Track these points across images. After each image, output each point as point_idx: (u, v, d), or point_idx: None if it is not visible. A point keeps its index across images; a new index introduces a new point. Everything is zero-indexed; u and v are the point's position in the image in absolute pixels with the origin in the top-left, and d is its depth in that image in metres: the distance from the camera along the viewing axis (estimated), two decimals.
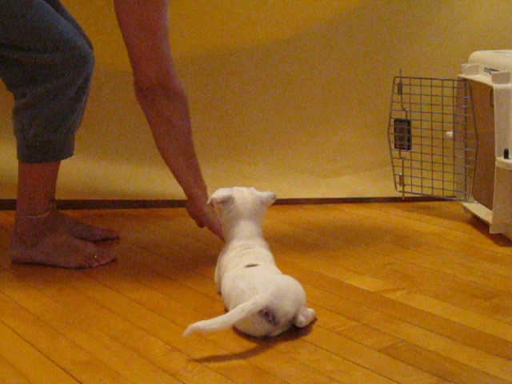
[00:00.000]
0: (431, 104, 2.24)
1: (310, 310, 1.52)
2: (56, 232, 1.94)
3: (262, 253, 1.63)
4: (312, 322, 1.51)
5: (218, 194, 1.69)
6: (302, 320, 1.47)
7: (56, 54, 1.78)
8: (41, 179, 1.89)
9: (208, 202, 1.72)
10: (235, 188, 1.72)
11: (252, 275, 1.50)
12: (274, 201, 1.72)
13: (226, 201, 1.68)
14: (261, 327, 1.43)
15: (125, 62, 2.37)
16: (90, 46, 1.97)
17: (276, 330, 1.45)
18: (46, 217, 1.92)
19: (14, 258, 1.94)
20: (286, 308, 1.44)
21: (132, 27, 1.78)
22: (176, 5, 2.27)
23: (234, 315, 1.39)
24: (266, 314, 1.42)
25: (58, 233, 1.94)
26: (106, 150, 2.41)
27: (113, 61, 2.33)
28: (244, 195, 1.70)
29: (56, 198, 2.08)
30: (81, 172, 2.37)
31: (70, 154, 1.91)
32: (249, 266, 1.55)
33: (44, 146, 1.84)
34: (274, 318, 1.42)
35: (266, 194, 1.71)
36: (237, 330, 1.47)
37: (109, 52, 2.30)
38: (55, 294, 1.74)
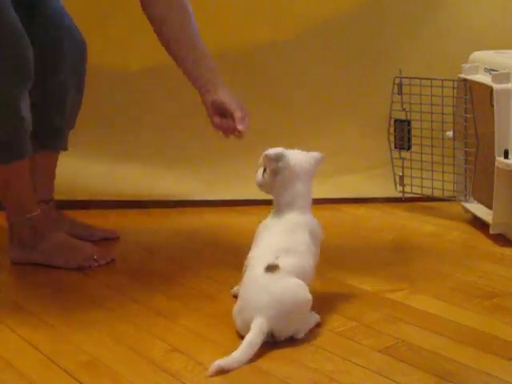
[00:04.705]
0: (431, 104, 2.24)
1: (313, 317, 1.51)
2: (55, 232, 1.93)
3: (300, 241, 1.53)
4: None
5: (270, 150, 1.54)
6: (300, 334, 1.45)
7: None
8: (14, 179, 1.87)
9: (260, 161, 1.57)
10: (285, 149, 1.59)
11: (262, 289, 1.43)
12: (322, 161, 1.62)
13: (280, 157, 1.54)
14: None
15: (125, 62, 2.39)
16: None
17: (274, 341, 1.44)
18: (38, 215, 1.91)
19: (13, 259, 1.93)
20: (287, 330, 1.43)
21: None
22: None
23: (248, 352, 1.36)
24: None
25: (57, 233, 1.94)
26: (106, 150, 2.40)
27: (113, 61, 2.33)
28: (296, 153, 1.57)
29: (56, 198, 2.08)
30: (81, 172, 2.37)
31: (26, 155, 1.85)
32: (269, 267, 1.45)
33: None
34: (273, 337, 1.42)
35: (317, 154, 1.61)
36: (237, 331, 1.47)
37: (109, 52, 2.30)
38: (55, 294, 1.74)
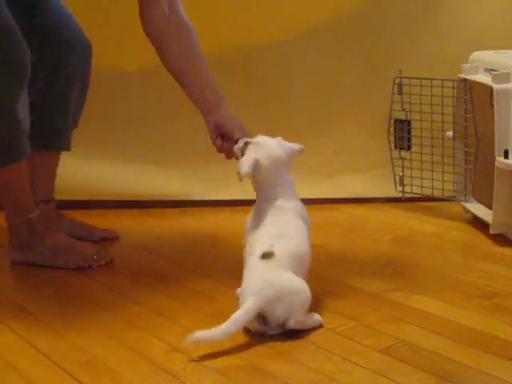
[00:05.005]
0: (431, 104, 2.23)
1: (314, 317, 1.51)
2: (54, 233, 1.93)
3: (292, 224, 1.57)
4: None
5: (245, 166, 1.56)
6: (290, 324, 1.45)
7: None
8: (12, 181, 1.86)
9: (240, 178, 1.57)
10: (261, 140, 1.63)
11: (256, 275, 1.47)
12: (301, 154, 1.64)
13: (257, 166, 1.57)
14: (252, 325, 1.45)
15: (124, 62, 2.38)
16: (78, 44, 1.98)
17: (270, 331, 1.45)
18: (37, 215, 1.91)
19: (13, 260, 1.93)
20: (278, 314, 1.43)
21: None
22: None
23: (232, 327, 1.39)
24: (257, 315, 1.43)
25: (57, 234, 1.94)
26: (106, 150, 2.41)
27: (113, 61, 2.33)
28: (275, 152, 1.61)
29: (56, 198, 2.08)
30: (81, 172, 2.37)
31: (24, 156, 1.84)
32: (264, 254, 1.48)
33: None
34: (264, 321, 1.43)
35: (295, 146, 1.64)
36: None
37: (109, 52, 2.30)
38: (55, 294, 1.74)
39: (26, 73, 1.79)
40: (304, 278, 1.51)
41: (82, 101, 2.04)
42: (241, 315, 1.41)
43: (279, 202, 1.59)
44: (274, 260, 1.48)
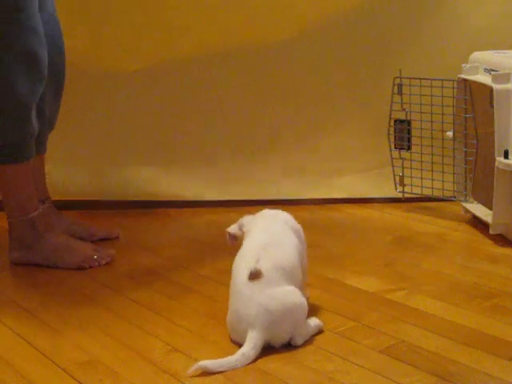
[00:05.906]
0: (431, 104, 2.23)
1: (315, 323, 1.48)
2: (54, 233, 1.93)
3: (280, 232, 1.54)
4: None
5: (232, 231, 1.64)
6: (298, 341, 1.43)
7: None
8: (17, 180, 1.87)
9: (230, 240, 1.64)
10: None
11: (248, 300, 1.41)
12: None
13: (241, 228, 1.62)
14: None
15: (124, 62, 2.39)
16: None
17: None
18: (37, 215, 1.91)
19: (13, 260, 1.93)
20: (282, 338, 1.41)
21: None
22: (176, 5, 2.27)
23: (241, 362, 1.36)
24: None
25: (56, 234, 1.94)
26: (106, 150, 2.40)
27: (112, 61, 2.33)
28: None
29: (56, 198, 2.07)
30: (81, 172, 2.37)
31: (32, 156, 1.87)
32: (251, 274, 1.42)
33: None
34: (269, 344, 1.41)
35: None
36: None
37: (109, 52, 2.30)
38: (55, 294, 1.74)
39: (46, 74, 1.82)
40: (300, 288, 1.47)
41: (58, 104, 2.02)
42: (248, 351, 1.37)
43: (266, 210, 1.60)
44: (262, 279, 1.41)
